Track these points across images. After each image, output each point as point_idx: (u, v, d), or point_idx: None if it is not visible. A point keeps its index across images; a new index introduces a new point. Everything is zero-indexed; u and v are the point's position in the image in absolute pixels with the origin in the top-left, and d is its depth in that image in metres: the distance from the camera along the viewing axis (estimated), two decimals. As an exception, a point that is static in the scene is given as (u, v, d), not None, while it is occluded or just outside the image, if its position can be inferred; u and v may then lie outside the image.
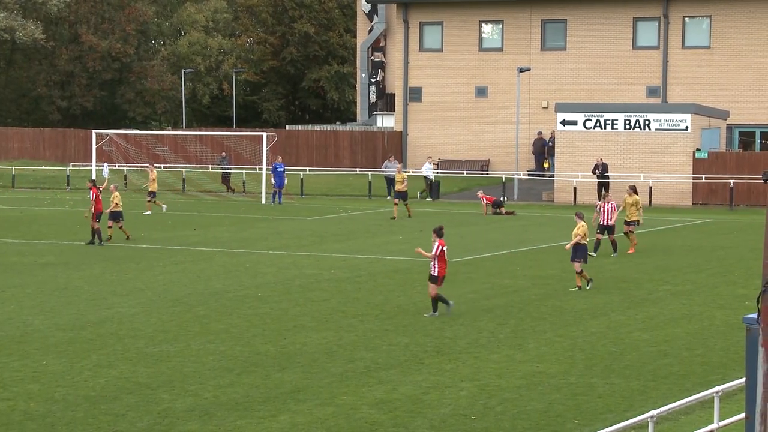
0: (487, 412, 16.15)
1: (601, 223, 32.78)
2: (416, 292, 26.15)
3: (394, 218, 43.50)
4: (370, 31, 69.71)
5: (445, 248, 23.29)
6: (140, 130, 73.01)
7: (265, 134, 55.84)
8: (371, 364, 19.05)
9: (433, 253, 23.15)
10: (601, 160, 52.05)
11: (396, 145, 63.33)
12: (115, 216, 35.99)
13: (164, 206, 46.33)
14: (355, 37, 76.80)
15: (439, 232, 23.31)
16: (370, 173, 56.92)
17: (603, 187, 51.77)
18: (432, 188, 54.76)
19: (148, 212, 45.49)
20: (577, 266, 26.60)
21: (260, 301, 24.87)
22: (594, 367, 19.04)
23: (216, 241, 36.35)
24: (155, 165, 54.15)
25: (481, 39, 62.28)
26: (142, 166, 61.65)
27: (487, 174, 59.27)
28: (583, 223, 27.06)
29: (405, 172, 57.97)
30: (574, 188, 52.71)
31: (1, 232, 38.18)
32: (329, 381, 17.86)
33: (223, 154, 59.98)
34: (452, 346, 20.57)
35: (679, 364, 19.35)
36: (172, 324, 22.34)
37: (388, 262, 31.61)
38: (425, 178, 55.18)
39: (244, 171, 58.77)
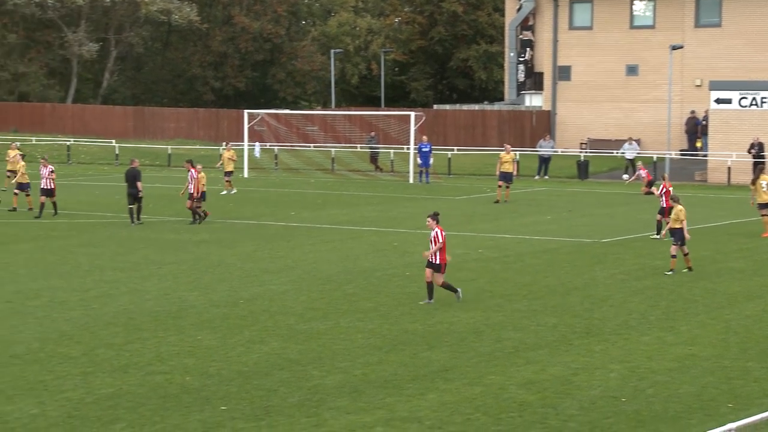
0: (637, 395, 15.95)
1: (662, 205, 31.75)
2: (564, 273, 25.94)
3: (498, 202, 42.46)
4: (519, 9, 69.12)
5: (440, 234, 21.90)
6: (291, 110, 74.02)
7: (413, 114, 55.97)
8: (519, 344, 19.00)
9: (437, 246, 21.82)
10: (758, 139, 50.64)
11: (544, 124, 62.78)
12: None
13: (234, 190, 45.67)
14: (504, 16, 76.22)
15: (435, 218, 22.13)
16: (518, 153, 56.54)
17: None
18: (634, 168, 53.51)
19: (224, 192, 45.71)
20: (673, 249, 26.05)
21: (408, 280, 25.01)
22: (749, 350, 18.60)
23: (364, 220, 36.68)
24: (304, 144, 54.46)
25: (632, 16, 61.16)
26: (292, 146, 62.61)
27: (639, 153, 58.22)
28: (679, 206, 26.41)
29: (554, 152, 57.55)
30: (728, 168, 51.44)
31: (158, 209, 39.26)
32: (477, 360, 17.88)
33: (372, 133, 60.40)
34: (601, 327, 20.36)
35: (838, 349, 18.77)
36: (322, 302, 22.66)
37: (536, 242, 31.43)
38: (628, 159, 54.53)
39: (392, 150, 59.09)
